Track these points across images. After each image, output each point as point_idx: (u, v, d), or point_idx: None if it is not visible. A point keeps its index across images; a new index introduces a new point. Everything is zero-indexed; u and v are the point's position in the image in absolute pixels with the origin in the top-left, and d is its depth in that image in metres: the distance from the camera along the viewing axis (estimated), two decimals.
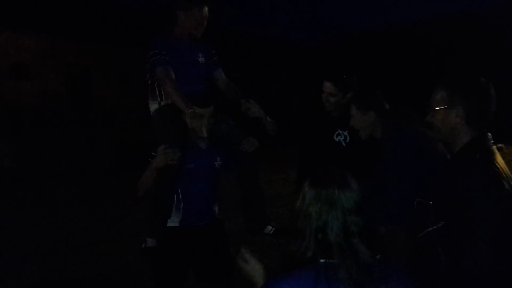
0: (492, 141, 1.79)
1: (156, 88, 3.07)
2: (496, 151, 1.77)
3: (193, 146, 2.93)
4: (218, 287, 3.03)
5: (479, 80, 1.80)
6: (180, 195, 2.90)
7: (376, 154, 2.94)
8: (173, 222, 2.92)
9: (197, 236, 2.95)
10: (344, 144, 3.21)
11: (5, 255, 5.44)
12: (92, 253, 5.58)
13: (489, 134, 1.80)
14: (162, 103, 3.07)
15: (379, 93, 2.87)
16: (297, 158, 3.49)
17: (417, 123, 2.67)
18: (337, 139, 3.22)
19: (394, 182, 2.57)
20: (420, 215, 1.86)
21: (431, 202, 1.79)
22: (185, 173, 2.85)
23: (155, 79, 3.05)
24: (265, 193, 3.21)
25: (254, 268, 1.76)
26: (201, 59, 3.12)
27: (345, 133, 3.20)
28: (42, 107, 15.77)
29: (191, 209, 2.92)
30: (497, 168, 1.69)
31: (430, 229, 1.77)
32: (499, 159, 1.73)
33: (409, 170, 2.51)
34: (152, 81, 3.10)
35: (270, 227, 3.09)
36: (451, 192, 1.70)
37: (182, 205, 2.91)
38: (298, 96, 24.86)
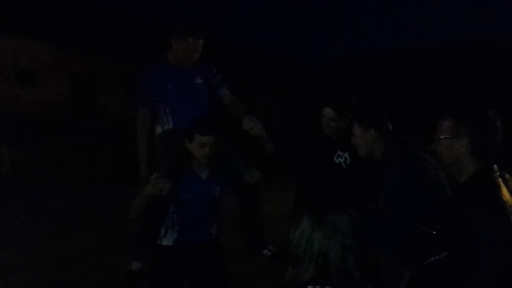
0: (498, 173, 1.78)
1: (158, 115, 3.12)
2: (502, 184, 1.76)
3: (193, 175, 2.93)
4: None
5: (486, 112, 1.79)
6: (175, 219, 2.91)
7: (374, 175, 2.95)
8: (167, 241, 2.93)
9: (192, 255, 2.96)
10: (344, 166, 3.24)
11: (0, 263, 5.40)
12: (89, 264, 5.55)
13: (495, 166, 1.79)
14: (166, 127, 3.10)
15: (383, 112, 2.83)
16: (296, 178, 3.49)
17: (420, 149, 2.65)
18: (337, 161, 3.25)
19: (391, 209, 2.56)
20: (422, 244, 1.85)
21: (434, 232, 1.78)
22: (182, 202, 2.86)
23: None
24: (263, 212, 3.21)
25: None
26: (199, 81, 3.12)
27: (346, 154, 3.23)
28: (46, 114, 15.81)
29: (186, 232, 2.93)
30: (503, 201, 1.68)
31: (432, 259, 1.76)
32: (505, 192, 1.72)
33: (406, 197, 2.48)
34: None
35: (267, 251, 3.11)
36: (456, 223, 1.68)
37: (177, 227, 2.92)
38: (301, 116, 24.92)
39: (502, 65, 19.49)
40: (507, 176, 1.79)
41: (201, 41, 2.97)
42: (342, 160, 3.24)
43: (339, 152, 3.24)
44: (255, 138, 3.20)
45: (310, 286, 1.44)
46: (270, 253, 3.09)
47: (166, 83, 3.02)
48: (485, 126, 1.76)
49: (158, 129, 3.15)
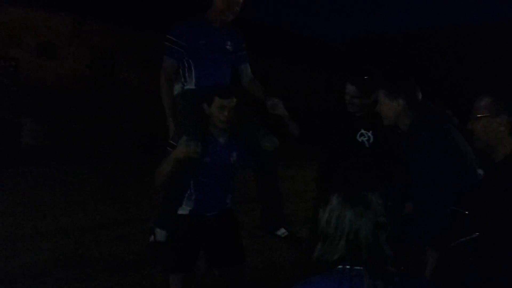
0: None
1: (180, 70, 3.05)
2: None
3: (211, 139, 2.88)
4: (229, 272, 3.00)
5: None
6: (192, 186, 2.88)
7: (399, 149, 2.81)
8: (183, 210, 2.91)
9: (206, 224, 2.94)
10: (367, 145, 3.12)
11: (20, 233, 5.50)
12: (107, 234, 5.61)
13: None
14: (185, 87, 3.04)
15: (412, 80, 2.57)
16: (316, 155, 3.43)
17: (450, 122, 2.51)
18: (360, 139, 3.13)
19: (423, 187, 2.43)
20: (452, 224, 1.80)
21: (466, 212, 1.73)
22: (200, 166, 2.81)
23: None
24: (282, 190, 3.16)
25: None
26: (229, 47, 3.09)
27: (369, 133, 3.11)
28: (66, 87, 15.92)
29: (202, 200, 2.91)
30: None
31: (463, 239, 1.71)
32: None
33: (438, 173, 2.28)
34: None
35: (284, 230, 3.06)
36: (491, 203, 1.63)
37: (194, 196, 2.89)
38: (323, 95, 24.71)
39: None
40: None
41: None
42: (365, 139, 3.12)
43: (362, 131, 3.12)
44: (277, 118, 3.13)
45: (340, 266, 1.41)
46: (286, 232, 3.04)
47: (199, 38, 2.97)
48: None
49: (178, 86, 3.08)
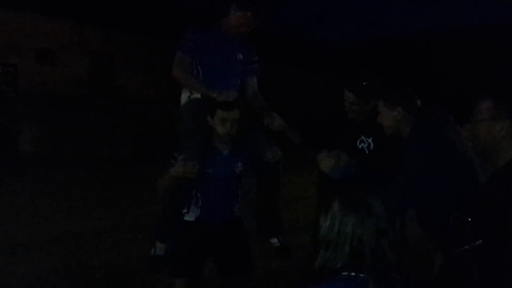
0: None
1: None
2: None
3: (215, 150, 2.87)
4: (238, 281, 2.99)
5: None
6: (199, 195, 2.88)
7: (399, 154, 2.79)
8: (190, 217, 2.91)
9: (213, 231, 2.93)
10: (367, 152, 3.08)
11: (17, 240, 5.45)
12: (106, 241, 5.57)
13: None
14: (192, 96, 3.03)
15: (410, 88, 2.59)
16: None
17: (451, 128, 2.47)
18: (360, 146, 3.10)
19: (425, 193, 2.36)
20: (455, 231, 1.76)
21: (469, 219, 1.69)
22: (204, 177, 2.80)
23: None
24: (282, 196, 3.15)
25: None
26: (239, 56, 3.10)
27: (369, 140, 3.08)
28: (65, 92, 15.93)
29: (208, 208, 2.90)
30: None
31: (466, 247, 1.67)
32: None
33: (439, 179, 2.24)
34: None
35: (276, 240, 3.05)
36: (493, 210, 1.59)
37: (200, 203, 2.88)
38: (320, 98, 24.72)
39: None
40: None
41: (253, 16, 2.95)
42: (365, 146, 3.08)
43: (363, 137, 3.08)
44: (277, 132, 3.12)
45: (345, 273, 1.38)
46: (279, 244, 3.03)
47: (212, 44, 3.00)
48: None
49: (185, 95, 3.08)
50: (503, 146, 1.69)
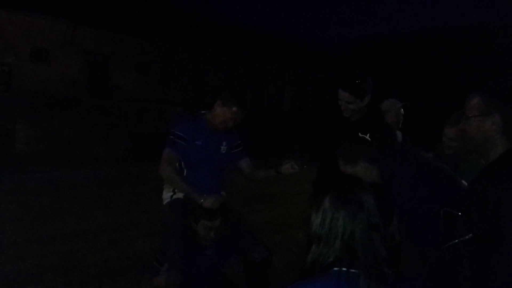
0: None
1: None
2: None
3: (197, 250, 2.93)
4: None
5: None
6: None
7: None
8: None
9: None
10: None
11: (13, 239, 5.45)
12: (101, 240, 5.57)
13: None
14: (174, 196, 3.08)
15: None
16: (310, 157, 3.43)
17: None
18: None
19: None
20: (445, 226, 1.77)
21: (459, 213, 1.70)
22: (188, 274, 2.87)
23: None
24: (274, 191, 3.22)
25: None
26: (224, 148, 3.18)
27: (367, 137, 3.11)
28: (60, 92, 15.88)
29: None
30: None
31: (456, 241, 1.68)
32: None
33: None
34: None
35: None
36: (483, 204, 1.60)
37: None
38: (313, 97, 24.74)
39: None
40: None
41: (240, 111, 3.06)
42: None
43: (360, 135, 3.13)
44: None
45: (336, 268, 1.39)
46: None
47: (196, 138, 3.06)
48: None
49: (167, 195, 3.13)
50: (494, 141, 1.70)
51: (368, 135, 3.09)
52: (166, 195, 3.13)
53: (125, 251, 5.12)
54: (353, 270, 1.39)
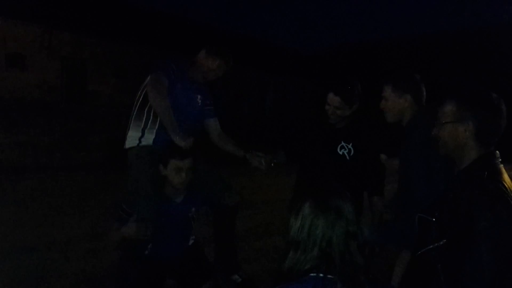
0: (500, 160, 1.73)
1: (144, 119, 2.96)
2: (504, 170, 1.71)
3: (167, 200, 2.81)
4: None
5: (490, 94, 1.73)
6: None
7: (380, 167, 2.88)
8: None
9: (167, 263, 2.91)
10: (348, 158, 3.10)
11: None
12: (78, 248, 5.48)
13: (497, 152, 1.74)
14: (141, 143, 2.94)
15: (418, 76, 2.58)
16: (292, 165, 3.42)
17: None
18: (341, 152, 3.11)
19: (413, 186, 2.38)
20: (420, 231, 1.79)
21: (433, 219, 1.72)
22: (156, 224, 2.76)
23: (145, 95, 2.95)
24: (255, 199, 3.24)
25: None
26: (198, 100, 3.14)
27: (349, 146, 3.10)
28: (36, 98, 15.62)
29: (159, 249, 2.87)
30: (505, 187, 1.63)
31: (431, 246, 1.70)
32: (507, 179, 1.67)
33: (432, 166, 2.28)
34: (142, 98, 3.01)
35: (237, 276, 3.19)
36: (456, 210, 1.63)
37: (150, 245, 2.85)
38: (295, 102, 24.84)
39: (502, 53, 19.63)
40: None
41: (225, 64, 3.05)
42: (345, 152, 3.11)
43: (343, 143, 3.11)
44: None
45: (313, 274, 1.39)
46: (240, 279, 3.16)
47: (177, 81, 2.97)
48: (490, 108, 1.70)
49: (134, 136, 2.99)
50: (467, 148, 1.73)
51: (351, 144, 3.10)
52: (133, 136, 2.97)
53: (102, 260, 5.04)
54: (330, 276, 1.39)
